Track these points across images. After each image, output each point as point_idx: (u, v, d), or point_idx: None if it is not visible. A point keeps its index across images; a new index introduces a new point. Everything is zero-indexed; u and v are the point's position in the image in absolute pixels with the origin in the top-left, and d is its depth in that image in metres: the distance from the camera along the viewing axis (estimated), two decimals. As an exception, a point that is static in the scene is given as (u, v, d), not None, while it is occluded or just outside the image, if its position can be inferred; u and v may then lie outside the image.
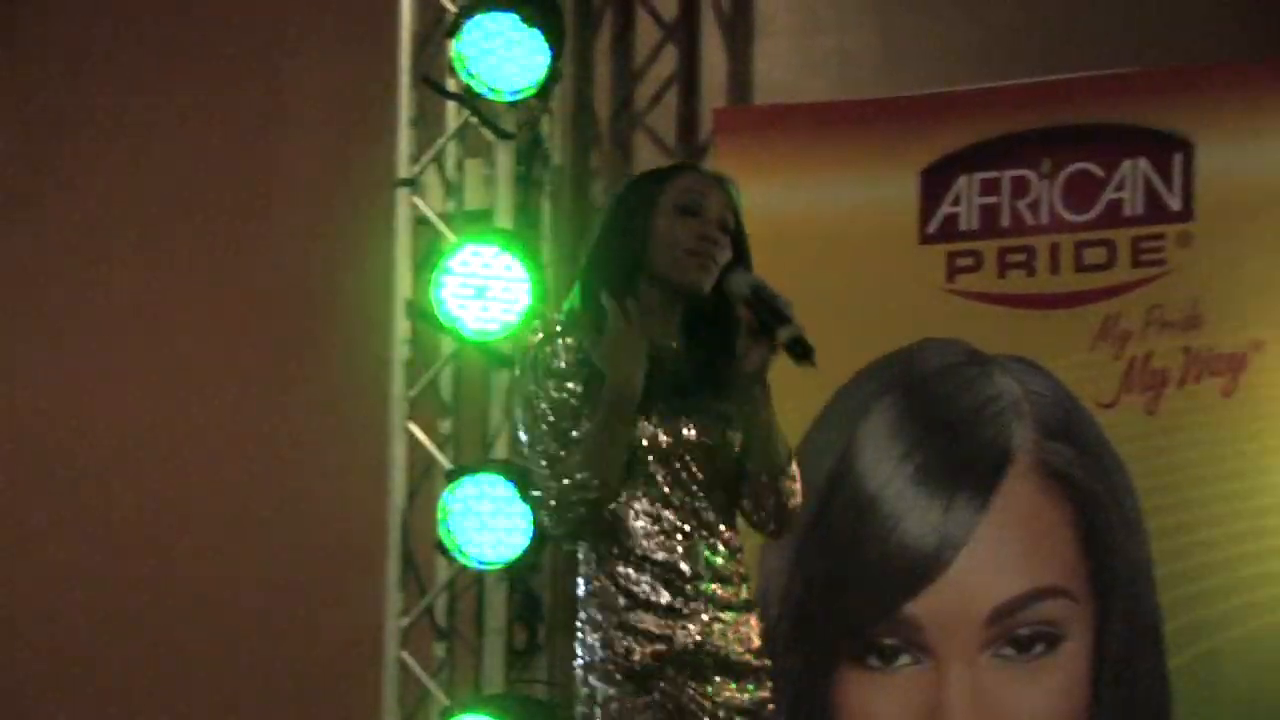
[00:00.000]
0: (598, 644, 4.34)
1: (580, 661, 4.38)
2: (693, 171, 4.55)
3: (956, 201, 6.95)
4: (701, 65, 7.63)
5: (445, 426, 7.40)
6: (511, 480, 6.99)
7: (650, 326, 4.39)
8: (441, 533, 7.02)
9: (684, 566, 4.33)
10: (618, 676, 4.31)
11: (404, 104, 7.30)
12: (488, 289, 7.03)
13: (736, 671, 4.38)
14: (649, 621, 4.31)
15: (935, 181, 6.98)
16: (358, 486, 7.42)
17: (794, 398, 6.87)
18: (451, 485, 7.03)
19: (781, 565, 6.99)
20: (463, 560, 7.05)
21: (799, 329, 4.36)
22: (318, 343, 7.69)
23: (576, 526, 4.35)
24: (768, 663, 4.47)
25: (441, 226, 7.25)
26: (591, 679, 4.35)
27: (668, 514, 4.35)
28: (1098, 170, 6.82)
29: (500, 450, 7.27)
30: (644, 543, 4.33)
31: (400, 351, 7.27)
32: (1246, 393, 6.58)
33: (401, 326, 7.25)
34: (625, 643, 4.30)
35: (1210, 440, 6.62)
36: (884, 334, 6.98)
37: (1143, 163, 6.76)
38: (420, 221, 7.28)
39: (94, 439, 7.92)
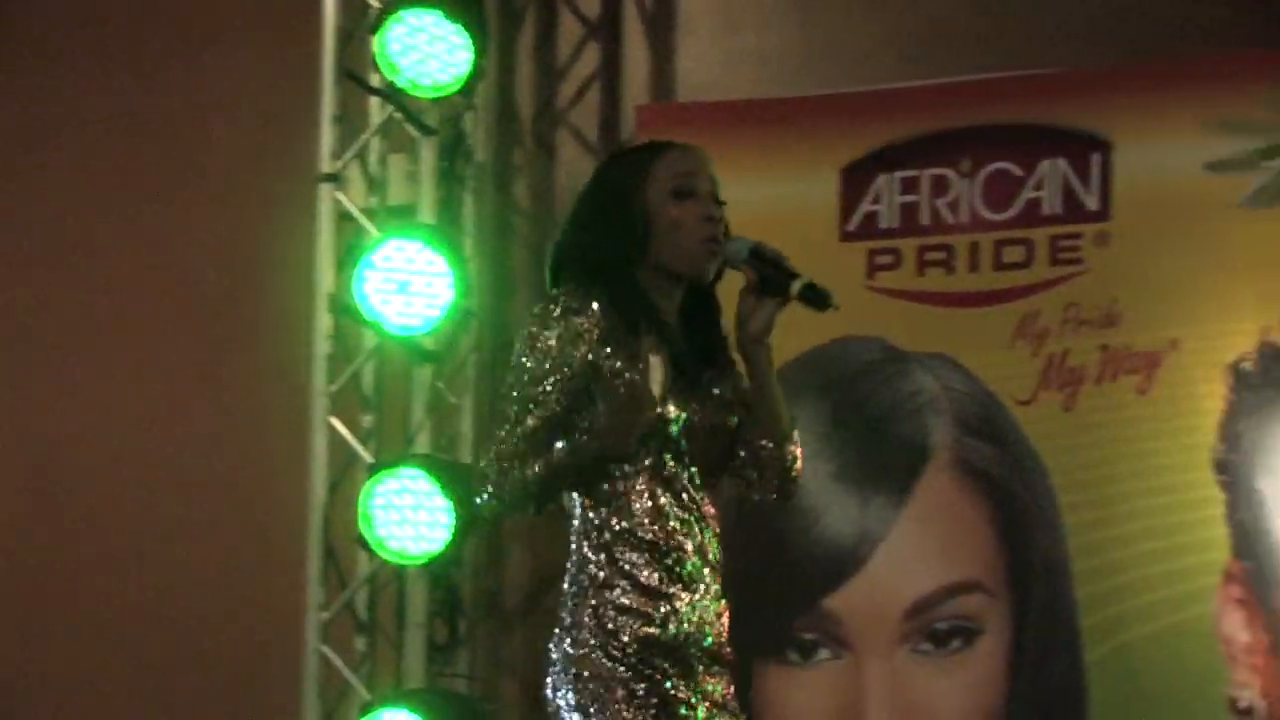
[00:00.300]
0: (586, 619, 4.24)
1: (566, 639, 4.28)
2: (670, 149, 4.45)
3: (876, 199, 6.97)
4: (624, 63, 7.64)
5: (367, 421, 7.38)
6: (433, 475, 6.97)
7: (650, 312, 4.32)
8: (363, 527, 6.99)
9: (680, 552, 4.26)
10: (603, 654, 4.22)
11: (327, 99, 7.27)
12: (410, 284, 7.00)
13: (718, 664, 4.32)
14: (641, 603, 4.22)
15: (855, 179, 6.99)
16: (279, 481, 7.39)
17: None
18: (373, 480, 7.00)
19: None
20: (384, 555, 7.02)
21: (810, 277, 4.32)
22: (240, 337, 7.67)
23: (501, 515, 4.42)
24: (734, 657, 4.42)
25: (364, 222, 7.23)
26: (572, 652, 4.25)
27: (667, 498, 4.26)
28: (1016, 170, 6.83)
29: (422, 445, 7.25)
30: (643, 523, 4.24)
31: (322, 346, 7.25)
32: (1162, 390, 6.61)
33: (324, 321, 7.23)
34: (616, 621, 4.22)
35: (1126, 437, 6.65)
36: (803, 331, 6.65)
37: (1061, 162, 6.78)
38: (343, 217, 7.26)
39: (13, 436, 7.91)
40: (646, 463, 4.26)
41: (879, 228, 6.96)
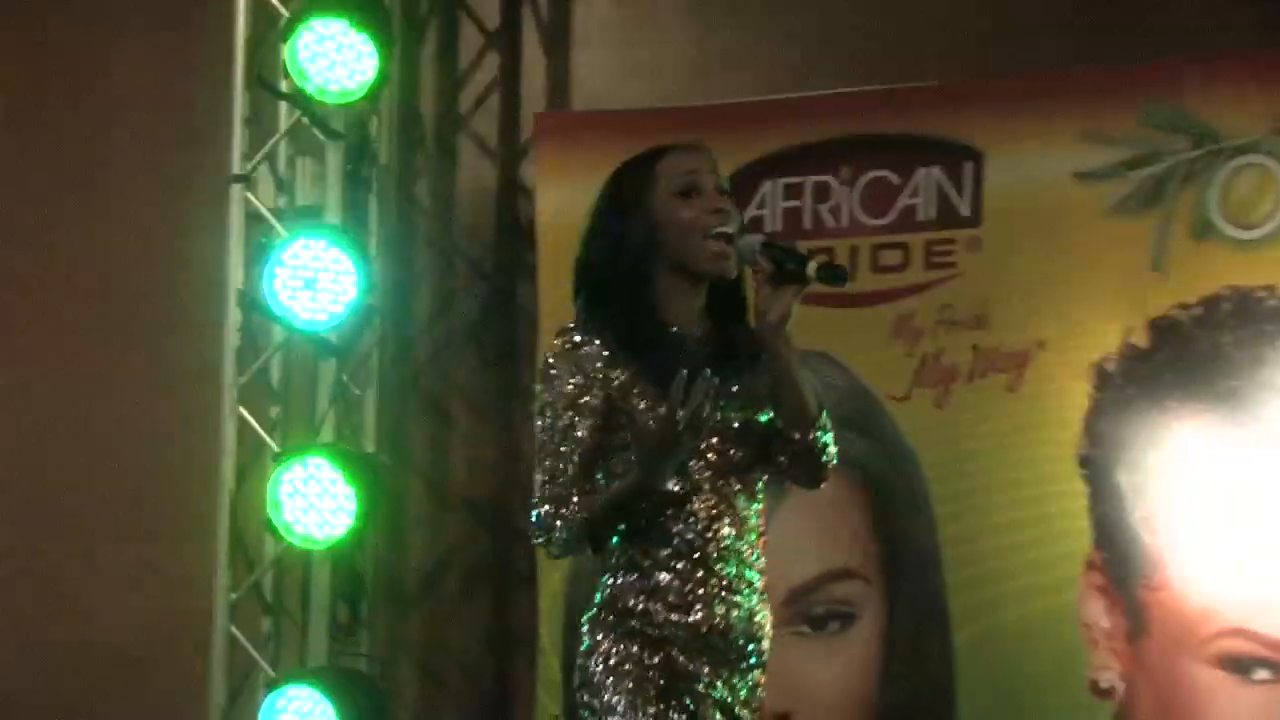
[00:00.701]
0: (613, 599, 4.24)
1: (590, 614, 4.28)
2: (672, 150, 4.37)
3: (762, 204, 6.97)
4: (522, 72, 7.64)
5: (274, 411, 7.40)
6: (337, 463, 6.99)
7: (677, 314, 4.28)
8: (270, 512, 7.01)
9: (704, 551, 4.23)
10: (625, 633, 4.22)
11: (238, 103, 7.27)
12: (317, 281, 7.02)
13: (744, 659, 4.30)
14: (669, 590, 4.21)
15: (742, 184, 6.87)
16: (191, 468, 7.39)
17: None
18: (279, 467, 7.02)
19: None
20: (289, 539, 7.04)
21: (823, 257, 4.27)
22: (154, 331, 7.64)
23: (563, 555, 4.32)
24: (768, 652, 4.40)
25: (273, 221, 7.23)
26: (598, 632, 4.25)
27: (697, 497, 4.23)
28: (894, 178, 6.85)
29: (326, 434, 7.27)
30: (671, 524, 4.22)
31: (232, 340, 7.25)
32: (1029, 387, 6.63)
33: (233, 316, 7.24)
34: (641, 604, 4.20)
35: (996, 432, 6.66)
36: None
37: (936, 171, 6.79)
38: (253, 216, 7.26)
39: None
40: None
41: (764, 231, 6.72)
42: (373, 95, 7.18)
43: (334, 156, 7.32)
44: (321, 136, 7.31)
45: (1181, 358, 6.47)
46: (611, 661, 4.20)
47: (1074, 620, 6.53)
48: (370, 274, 7.14)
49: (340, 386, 7.30)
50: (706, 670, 4.25)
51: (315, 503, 6.98)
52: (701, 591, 4.23)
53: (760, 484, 4.35)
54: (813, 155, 6.95)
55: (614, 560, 4.26)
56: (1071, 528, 6.53)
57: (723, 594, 4.25)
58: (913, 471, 6.75)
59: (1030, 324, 6.66)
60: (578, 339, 4.26)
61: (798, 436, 4.29)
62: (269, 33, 7.26)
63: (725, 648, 4.26)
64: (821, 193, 6.92)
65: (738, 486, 4.29)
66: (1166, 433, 6.48)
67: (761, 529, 4.36)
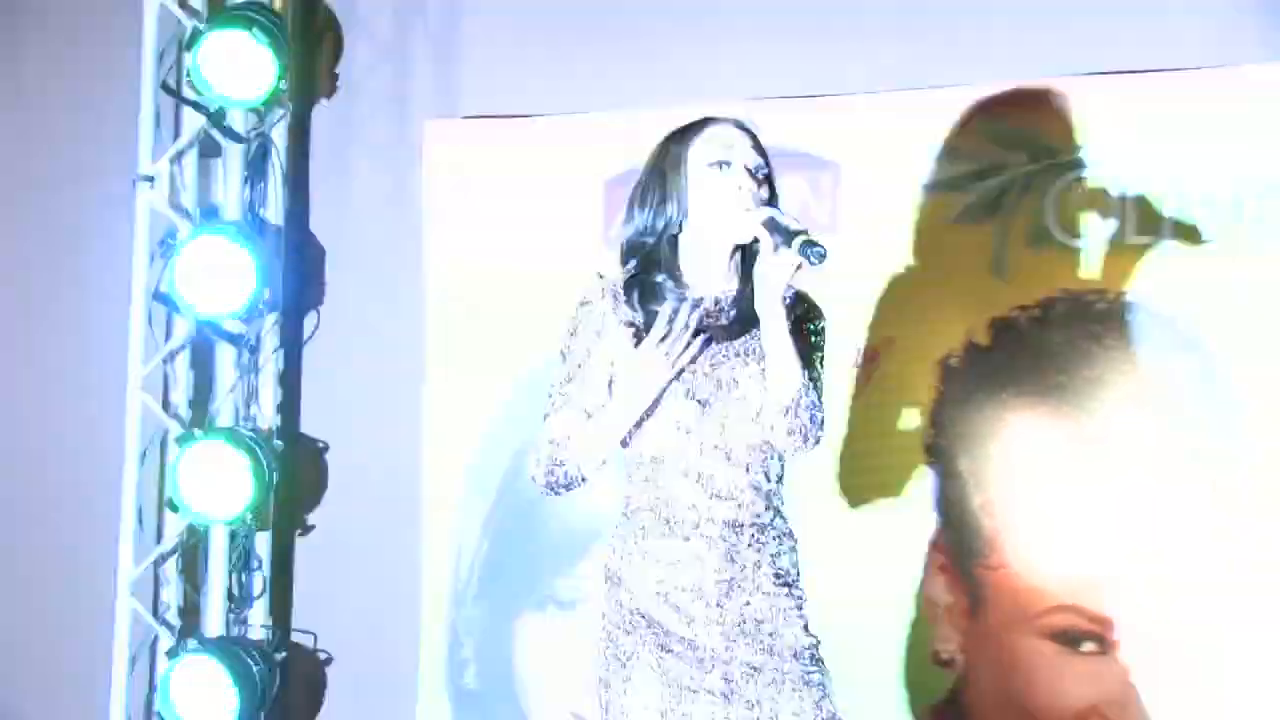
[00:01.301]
0: (621, 565, 4.28)
1: (604, 576, 4.33)
2: (713, 123, 4.39)
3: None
4: (413, 82, 7.58)
5: (177, 396, 7.36)
6: (235, 444, 6.99)
7: (701, 273, 4.31)
8: (171, 491, 7.01)
9: (702, 505, 4.23)
10: (628, 594, 4.25)
11: (145, 108, 7.21)
12: (218, 275, 7.01)
13: (723, 611, 4.27)
14: (663, 550, 4.23)
15: (618, 191, 6.83)
16: (96, 451, 7.36)
17: (486, 377, 7.04)
18: (181, 448, 7.02)
19: (473, 527, 7.07)
20: (189, 516, 7.03)
21: (807, 234, 4.24)
22: (63, 322, 7.61)
23: (548, 489, 4.37)
24: (793, 594, 4.37)
25: (177, 218, 7.21)
26: (610, 590, 4.30)
27: (697, 457, 4.25)
28: None
29: (225, 418, 7.26)
30: (673, 482, 4.25)
31: (138, 329, 7.21)
32: (880, 381, 6.65)
33: (140, 307, 7.21)
34: (642, 566, 4.23)
35: (850, 421, 6.65)
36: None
37: (798, 179, 6.79)
38: (158, 214, 7.22)
39: None
40: (676, 423, 4.26)
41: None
42: (272, 102, 7.17)
43: (235, 159, 7.30)
44: (224, 140, 7.29)
45: (1018, 355, 6.53)
46: (606, 626, 4.29)
47: (918, 596, 6.60)
48: (267, 269, 7.12)
49: (239, 373, 7.29)
50: (688, 622, 4.23)
51: (214, 481, 6.98)
52: (704, 549, 4.24)
53: (755, 448, 4.32)
54: None
55: (615, 535, 4.34)
56: (917, 511, 6.58)
57: (725, 550, 4.25)
58: None
59: (882, 322, 6.66)
60: (595, 296, 4.38)
61: (784, 400, 4.25)
62: (175, 41, 7.23)
63: (730, 605, 4.24)
64: None
65: (728, 446, 4.28)
66: (1004, 424, 6.53)
67: (772, 485, 4.34)
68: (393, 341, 7.43)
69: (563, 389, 4.36)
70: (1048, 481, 6.47)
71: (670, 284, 4.29)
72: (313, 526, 7.51)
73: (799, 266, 4.21)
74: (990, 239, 6.63)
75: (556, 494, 4.40)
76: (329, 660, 7.47)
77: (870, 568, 6.62)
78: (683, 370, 4.23)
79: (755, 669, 4.29)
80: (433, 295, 7.19)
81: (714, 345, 4.27)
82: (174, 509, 7.06)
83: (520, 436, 6.90)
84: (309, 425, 7.53)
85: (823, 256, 4.21)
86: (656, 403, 4.24)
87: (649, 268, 4.32)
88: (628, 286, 4.33)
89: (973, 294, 6.63)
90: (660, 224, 4.32)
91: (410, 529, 7.27)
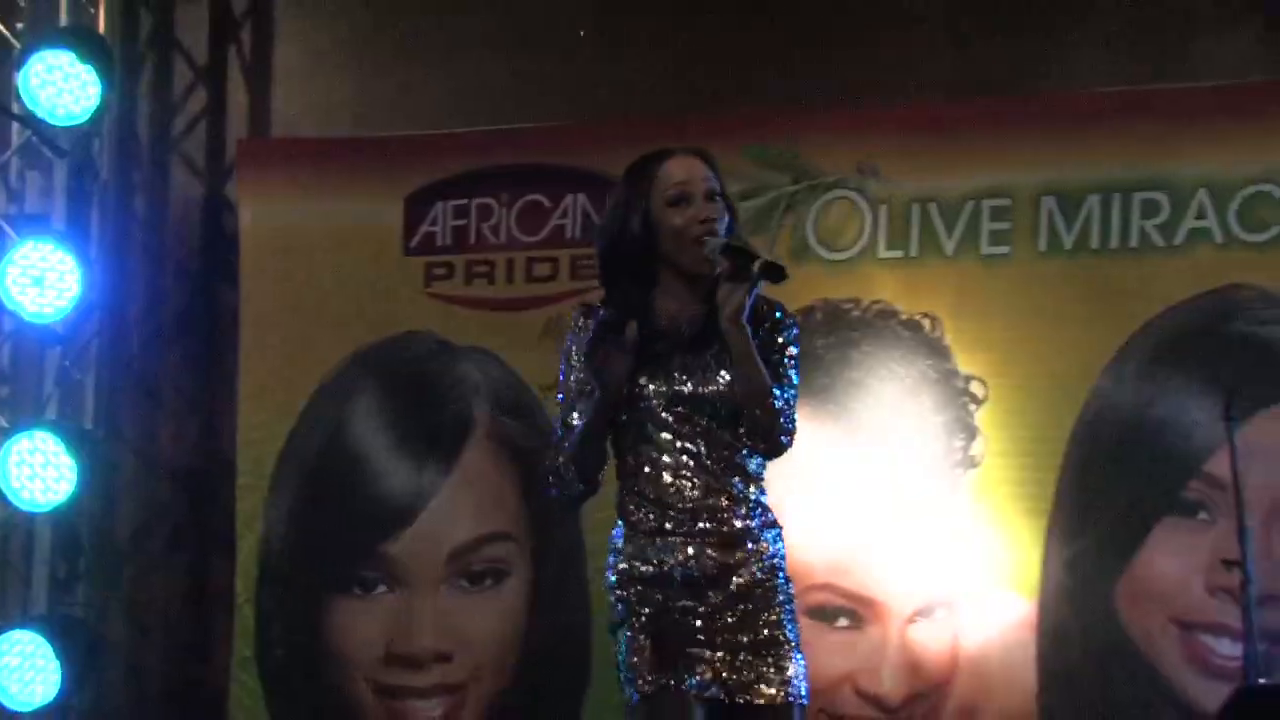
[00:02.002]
0: (613, 560, 4.19)
1: (607, 572, 4.23)
2: (669, 156, 4.27)
3: (434, 222, 7.06)
4: (228, 103, 7.60)
5: (4, 392, 7.36)
6: (59, 438, 6.98)
7: (672, 306, 4.20)
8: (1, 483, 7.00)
9: (677, 504, 4.15)
10: (623, 587, 4.17)
11: (-26, 122, 7.20)
12: (44, 279, 7.00)
13: (718, 595, 4.16)
14: (648, 547, 4.15)
15: (417, 206, 7.08)
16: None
17: (296, 375, 7.05)
18: (9, 441, 6.99)
19: (280, 514, 7.10)
20: (17, 503, 7.02)
21: (767, 258, 4.13)
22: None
23: (566, 502, 4.26)
24: (747, 586, 4.21)
25: (5, 226, 7.18)
26: (609, 586, 4.21)
27: (672, 459, 4.15)
28: (546, 201, 6.97)
29: (51, 413, 7.24)
30: (651, 484, 4.16)
31: (-33, 329, 7.19)
32: None
33: (-31, 309, 7.17)
34: (629, 563, 4.16)
35: None
36: (373, 327, 7.07)
37: (582, 197, 6.91)
38: (-10, 222, 7.20)
39: None
40: (638, 433, 4.16)
41: (435, 245, 7.04)
42: (95, 119, 7.14)
43: (60, 171, 7.29)
44: (49, 153, 7.28)
45: None
46: (616, 609, 4.19)
47: None
48: (91, 274, 7.11)
49: (63, 371, 7.26)
50: (687, 605, 4.14)
51: (39, 472, 6.96)
52: (679, 539, 4.14)
53: (731, 447, 4.21)
54: (477, 181, 7.04)
55: (616, 524, 4.24)
56: None
57: (698, 540, 4.14)
58: None
59: None
60: (582, 319, 4.25)
61: (754, 412, 4.15)
62: (3, 61, 7.23)
63: (704, 585, 4.14)
64: (485, 213, 7.02)
65: (707, 448, 4.18)
66: None
67: (739, 484, 4.20)
68: (209, 341, 7.45)
69: (566, 402, 4.24)
70: (811, 473, 6.50)
71: (641, 308, 4.20)
72: (135, 514, 7.49)
73: (755, 288, 4.12)
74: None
75: (566, 492, 4.26)
76: (145, 637, 7.47)
77: None
78: (657, 381, 4.16)
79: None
80: (246, 301, 7.21)
81: (685, 358, 4.18)
82: (2, 498, 7.04)
83: (326, 429, 7.09)
84: (130, 420, 7.51)
85: (781, 276, 4.10)
86: (640, 412, 4.17)
87: (622, 294, 4.23)
88: (603, 310, 4.24)
89: None
90: (628, 258, 4.21)
91: (223, 516, 7.29)
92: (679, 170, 4.24)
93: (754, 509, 4.20)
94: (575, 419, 4.19)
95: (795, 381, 4.24)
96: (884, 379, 6.57)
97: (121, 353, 7.49)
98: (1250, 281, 6.26)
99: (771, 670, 4.14)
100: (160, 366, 7.52)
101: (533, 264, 7.00)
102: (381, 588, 6.95)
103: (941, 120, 6.66)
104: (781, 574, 4.21)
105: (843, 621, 6.55)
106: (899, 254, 6.64)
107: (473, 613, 6.91)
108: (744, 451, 4.19)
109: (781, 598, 4.20)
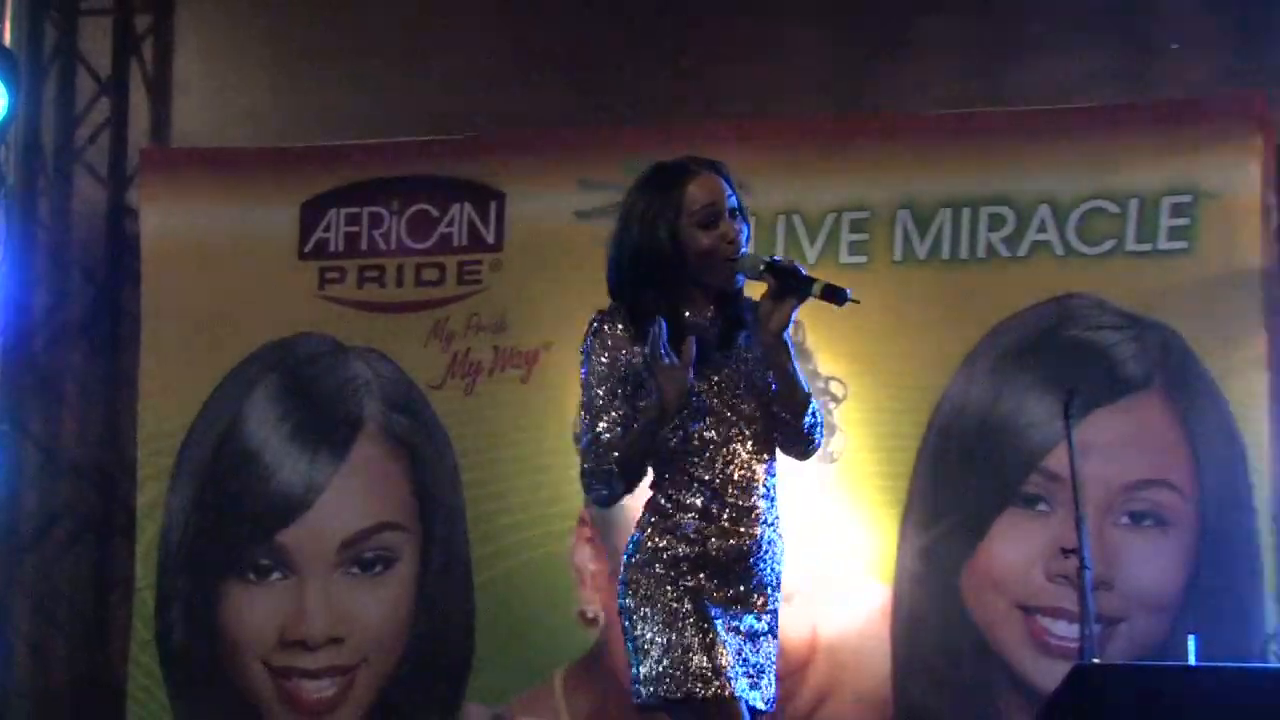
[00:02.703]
0: (643, 540, 4.17)
1: (625, 559, 4.21)
2: (693, 177, 4.24)
3: (328, 228, 7.10)
4: (130, 114, 7.59)
5: None
6: None
7: (693, 313, 4.21)
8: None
9: (710, 488, 4.16)
10: (655, 567, 4.14)
11: (-118, 130, 7.14)
12: None
13: (754, 581, 4.19)
14: (687, 525, 4.15)
15: (311, 213, 7.12)
16: None
17: (195, 370, 7.09)
18: None
19: (180, 505, 7.11)
20: None
21: (824, 281, 4.13)
22: None
23: (608, 504, 4.25)
24: (779, 573, 4.26)
25: None
26: (632, 573, 4.18)
27: (712, 442, 4.16)
28: (434, 210, 7.03)
29: None
30: (690, 467, 4.16)
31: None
32: (538, 380, 6.86)
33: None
34: (665, 540, 4.15)
35: (511, 415, 6.87)
36: (268, 328, 7.10)
37: (468, 206, 6.98)
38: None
39: None
40: (695, 420, 4.16)
41: (329, 250, 7.08)
42: (2, 129, 7.07)
43: (-32, 178, 7.24)
44: (-44, 161, 7.22)
45: None
46: (642, 594, 4.15)
47: (568, 564, 6.78)
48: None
49: None
50: (725, 592, 4.15)
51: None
52: (715, 526, 4.15)
53: (767, 439, 4.24)
54: (369, 190, 7.09)
55: (643, 515, 4.21)
56: (568, 491, 6.69)
57: (735, 527, 4.17)
58: (445, 445, 6.90)
59: (540, 329, 6.87)
60: (605, 325, 4.22)
61: (789, 419, 4.20)
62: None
63: (740, 571, 4.17)
64: (376, 221, 7.07)
65: (747, 437, 4.21)
66: None
67: (772, 478, 4.24)
68: (112, 340, 7.47)
69: (597, 405, 4.21)
70: None
71: (665, 312, 4.18)
72: (39, 506, 7.49)
73: (799, 305, 4.11)
74: None
75: (609, 499, 4.25)
76: (49, 623, 7.47)
77: (526, 540, 6.82)
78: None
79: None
80: (147, 302, 7.22)
81: (715, 355, 4.20)
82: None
83: (223, 424, 7.12)
84: (35, 416, 7.50)
85: (845, 299, 4.10)
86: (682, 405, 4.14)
87: (644, 302, 4.20)
88: (626, 313, 4.23)
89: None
90: (653, 270, 4.19)
91: (123, 508, 7.33)
92: (704, 193, 4.22)
93: (772, 503, 4.25)
94: (603, 429, 4.18)
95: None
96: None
97: (26, 352, 7.47)
98: (1086, 290, 6.47)
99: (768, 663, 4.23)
100: (64, 365, 7.51)
101: (421, 269, 7.04)
102: (276, 574, 6.99)
103: (806, 138, 6.78)
104: (780, 560, 4.27)
105: (713, 606, 6.69)
106: (766, 256, 6.70)
107: (363, 598, 6.95)
108: (773, 448, 4.24)
109: (777, 592, 4.27)
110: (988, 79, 6.84)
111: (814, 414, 4.24)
